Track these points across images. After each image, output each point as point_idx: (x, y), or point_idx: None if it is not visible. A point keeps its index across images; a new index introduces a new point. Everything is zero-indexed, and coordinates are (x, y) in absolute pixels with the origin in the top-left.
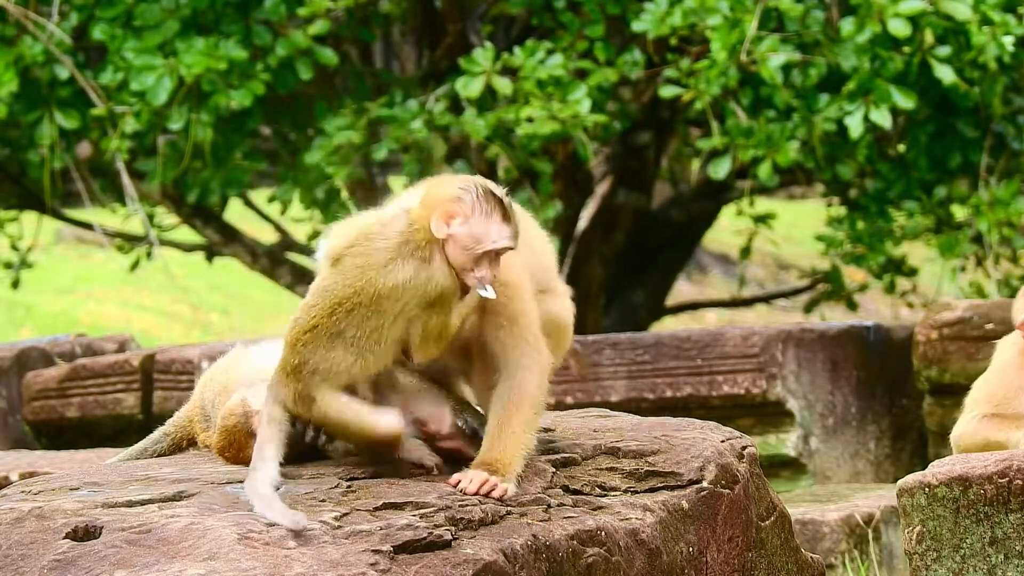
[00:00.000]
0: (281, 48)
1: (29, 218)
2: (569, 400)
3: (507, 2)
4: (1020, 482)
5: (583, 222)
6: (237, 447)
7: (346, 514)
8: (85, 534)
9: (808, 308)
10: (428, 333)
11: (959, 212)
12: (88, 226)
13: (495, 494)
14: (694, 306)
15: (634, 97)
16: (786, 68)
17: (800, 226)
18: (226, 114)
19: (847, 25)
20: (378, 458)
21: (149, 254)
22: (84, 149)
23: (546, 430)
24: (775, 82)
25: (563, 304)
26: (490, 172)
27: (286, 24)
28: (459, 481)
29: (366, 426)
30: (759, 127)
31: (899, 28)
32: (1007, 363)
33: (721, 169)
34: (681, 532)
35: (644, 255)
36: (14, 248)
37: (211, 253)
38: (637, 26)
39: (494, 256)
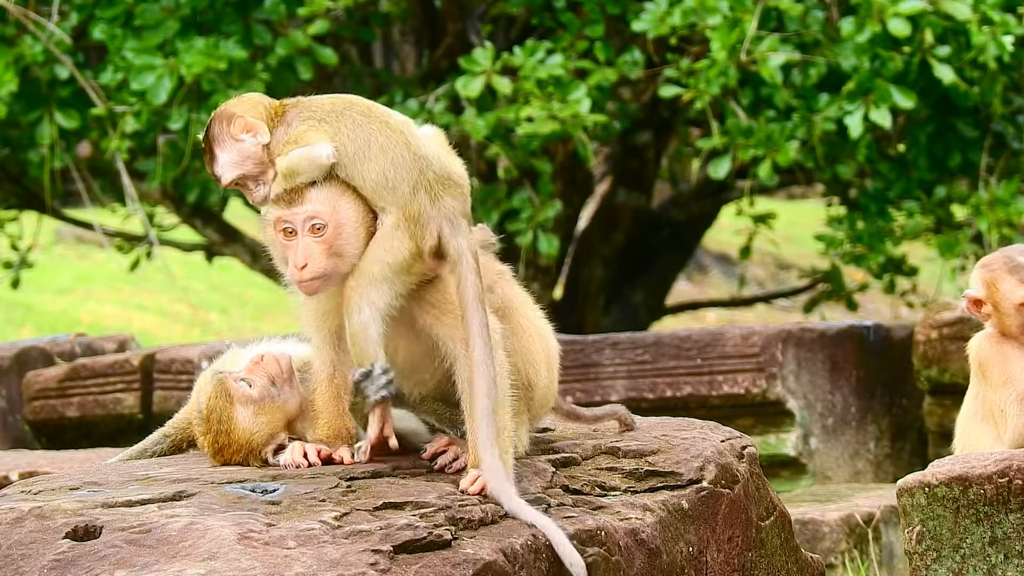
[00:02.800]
0: (281, 48)
1: (29, 218)
2: (569, 400)
3: (507, 2)
4: (1020, 482)
5: (583, 222)
6: (227, 431)
7: (346, 514)
8: (85, 534)
9: (808, 308)
10: None
11: (959, 212)
12: (88, 226)
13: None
14: (694, 306)
15: (634, 97)
16: (786, 68)
17: (800, 226)
18: None
19: (847, 25)
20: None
21: (149, 254)
22: (84, 149)
23: (546, 430)
24: (775, 82)
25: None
26: (490, 172)
27: (286, 24)
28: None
29: None
30: (759, 127)
31: (899, 28)
32: (1001, 356)
33: (721, 169)
34: (681, 532)
35: (644, 255)
36: (14, 248)
37: (211, 253)
38: (637, 26)
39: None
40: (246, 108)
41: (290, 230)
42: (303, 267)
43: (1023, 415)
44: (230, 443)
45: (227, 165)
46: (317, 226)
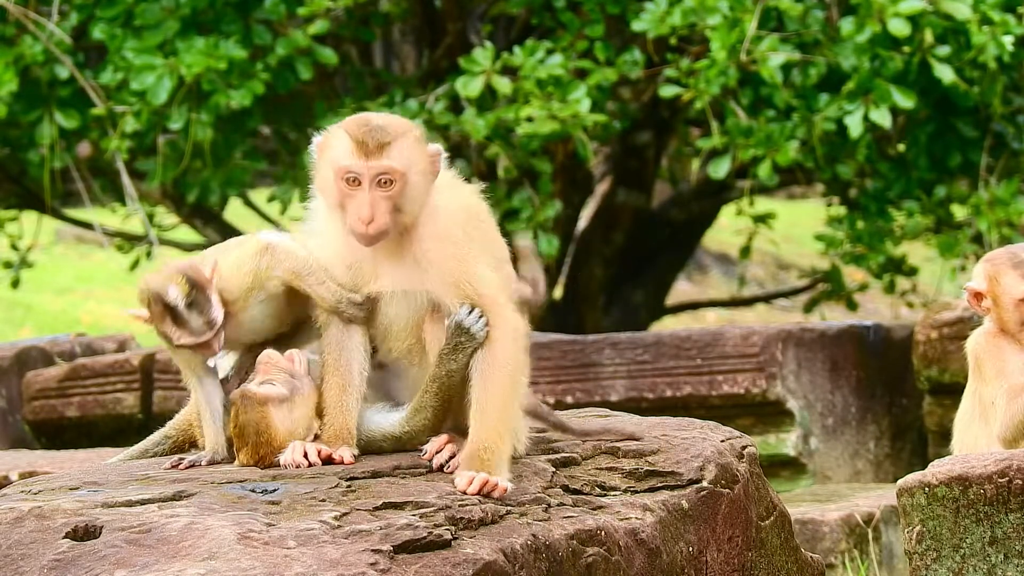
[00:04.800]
0: (281, 48)
1: (29, 218)
2: (569, 400)
3: (507, 2)
4: (1020, 482)
5: (583, 222)
6: (267, 440)
7: (346, 514)
8: (85, 534)
9: (808, 308)
10: None
11: (959, 212)
12: (88, 226)
13: (495, 494)
14: (694, 306)
15: (634, 97)
16: (786, 68)
17: (800, 226)
18: (226, 114)
19: (847, 25)
20: None
21: (149, 254)
22: (84, 149)
23: (546, 430)
24: (775, 82)
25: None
26: (490, 171)
27: (286, 24)
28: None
29: None
30: (759, 127)
31: (899, 28)
32: (996, 351)
33: (721, 169)
34: (681, 532)
35: (644, 255)
36: (14, 248)
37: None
38: (637, 26)
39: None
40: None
41: (354, 179)
42: (369, 221)
43: (1011, 408)
44: (273, 450)
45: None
46: (386, 181)
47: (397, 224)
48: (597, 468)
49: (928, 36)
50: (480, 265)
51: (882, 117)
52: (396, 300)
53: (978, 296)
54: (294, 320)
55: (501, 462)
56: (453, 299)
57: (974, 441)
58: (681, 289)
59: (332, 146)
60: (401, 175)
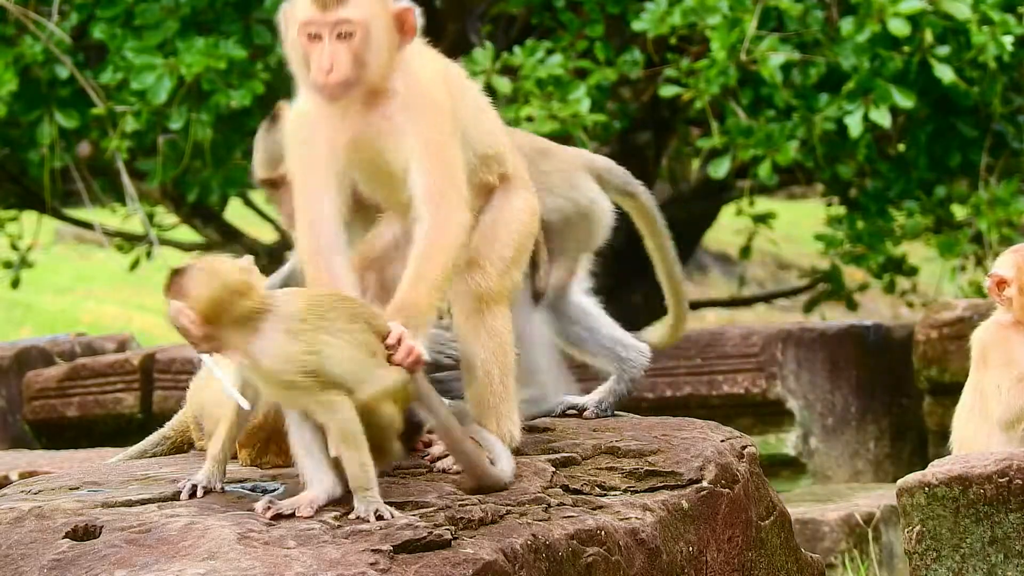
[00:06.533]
0: (281, 47)
1: (29, 217)
2: None
3: (507, 2)
4: (1020, 482)
5: None
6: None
7: (346, 513)
8: (85, 534)
9: (808, 308)
10: None
11: (959, 212)
12: (88, 225)
13: (411, 360)
14: (694, 306)
15: (634, 97)
16: (786, 67)
17: (800, 226)
18: (226, 114)
19: (847, 24)
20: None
21: (149, 254)
22: (84, 149)
23: (545, 429)
24: (775, 81)
25: (523, 200)
26: None
27: None
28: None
29: None
30: (759, 126)
31: (899, 27)
32: (1004, 341)
33: (721, 168)
34: (681, 532)
35: (644, 255)
36: (14, 247)
37: (211, 253)
38: (637, 25)
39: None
40: None
41: (315, 34)
42: (329, 70)
43: (1018, 393)
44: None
45: None
46: (346, 33)
47: (362, 80)
48: (597, 468)
49: (928, 36)
50: (445, 132)
51: (882, 117)
52: (373, 177)
53: (1002, 284)
54: None
55: (422, 321)
56: (411, 163)
57: (973, 434)
58: None
59: (295, 8)
60: (361, 26)
